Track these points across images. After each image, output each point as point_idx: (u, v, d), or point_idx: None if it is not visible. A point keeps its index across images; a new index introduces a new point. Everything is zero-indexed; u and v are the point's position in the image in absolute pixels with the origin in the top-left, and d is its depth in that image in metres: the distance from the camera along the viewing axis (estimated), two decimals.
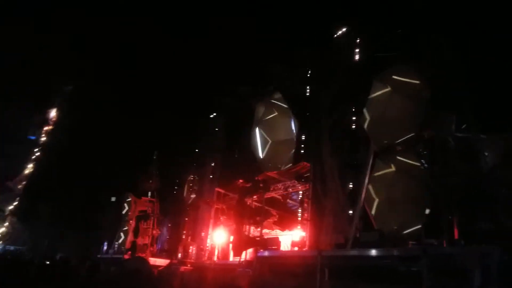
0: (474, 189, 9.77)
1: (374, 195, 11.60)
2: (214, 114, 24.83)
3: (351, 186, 13.48)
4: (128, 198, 27.65)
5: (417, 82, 10.97)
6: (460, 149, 10.19)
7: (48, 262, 19.59)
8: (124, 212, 27.77)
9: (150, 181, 26.25)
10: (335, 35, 16.22)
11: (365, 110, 12.10)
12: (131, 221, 25.93)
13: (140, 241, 23.98)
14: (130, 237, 25.19)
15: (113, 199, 31.03)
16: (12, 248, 33.08)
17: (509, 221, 8.82)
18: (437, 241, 9.86)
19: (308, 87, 17.53)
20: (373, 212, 11.53)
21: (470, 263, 7.46)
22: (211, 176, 22.54)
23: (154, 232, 24.47)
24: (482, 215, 9.37)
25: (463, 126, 10.47)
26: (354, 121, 13.54)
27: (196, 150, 25.74)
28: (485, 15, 11.08)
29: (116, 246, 26.84)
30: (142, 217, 25.31)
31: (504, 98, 10.31)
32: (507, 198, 9.37)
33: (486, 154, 10.26)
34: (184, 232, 23.65)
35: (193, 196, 23.92)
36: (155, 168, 26.64)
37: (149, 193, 26.94)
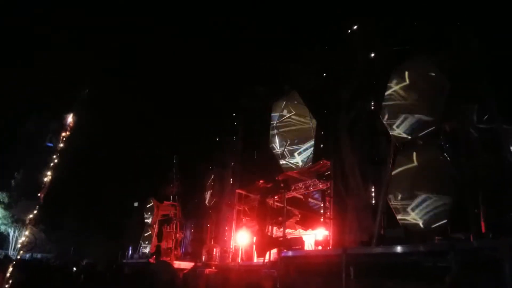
0: (500, 180, 9.62)
1: (396, 191, 11.53)
2: (233, 115, 25.02)
3: (373, 182, 13.42)
4: (151, 203, 28.18)
5: (436, 73, 10.84)
6: (484, 140, 10.04)
7: (74, 268, 20.22)
8: (147, 217, 28.32)
9: (171, 186, 26.63)
10: (351, 29, 16.16)
11: (384, 105, 12.05)
12: (154, 226, 26.41)
13: (164, 245, 24.37)
14: (154, 241, 25.66)
15: (135, 204, 31.66)
16: (39, 256, 34.00)
17: None
18: (464, 235, 9.75)
19: (325, 84, 17.51)
20: (396, 207, 11.46)
21: (500, 256, 7.38)
22: (231, 178, 22.75)
23: (178, 235, 24.84)
24: (510, 207, 9.23)
25: (486, 117, 10.31)
26: (374, 116, 13.46)
27: (216, 153, 26.01)
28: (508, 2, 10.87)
29: (141, 250, 27.37)
30: (165, 221, 25.72)
31: None
32: None
33: (511, 144, 10.09)
34: (207, 234, 23.93)
35: (214, 198, 24.18)
36: (175, 173, 27.01)
37: (171, 198, 27.36)
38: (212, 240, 23.11)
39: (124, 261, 27.37)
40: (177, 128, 31.18)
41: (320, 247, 14.51)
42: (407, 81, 11.57)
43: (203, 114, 29.37)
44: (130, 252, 28.16)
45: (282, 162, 18.02)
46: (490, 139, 10.22)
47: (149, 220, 27.87)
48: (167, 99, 33.40)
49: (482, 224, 9.53)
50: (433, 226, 10.66)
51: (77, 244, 34.50)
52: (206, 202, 24.88)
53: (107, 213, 34.86)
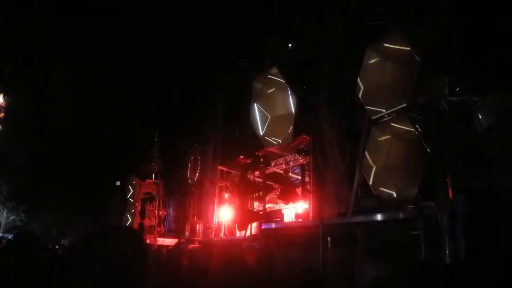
0: (468, 150, 10.17)
1: (371, 163, 12.07)
2: (215, 91, 25.14)
3: (350, 155, 13.90)
4: (133, 181, 28.44)
5: (409, 47, 11.23)
6: (454, 112, 10.53)
7: (57, 246, 20.60)
8: (129, 195, 28.62)
9: (153, 163, 26.84)
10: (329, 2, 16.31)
11: (358, 79, 12.44)
12: (136, 204, 26.74)
13: (147, 222, 24.75)
14: (136, 219, 26.01)
15: (118, 183, 31.88)
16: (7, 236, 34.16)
17: (501, 179, 9.25)
18: (434, 203, 10.34)
19: (305, 58, 17.75)
20: (371, 179, 12.03)
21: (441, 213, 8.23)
22: (213, 155, 23.09)
23: (160, 213, 25.24)
24: (476, 175, 9.81)
25: (457, 89, 10.77)
26: (352, 90, 13.83)
27: (197, 130, 26.22)
28: None
29: None
30: (148, 199, 26.02)
31: (501, 58, 10.53)
32: (501, 157, 9.78)
33: (481, 115, 10.60)
34: (190, 211, 24.41)
35: (196, 175, 24.57)
36: (157, 150, 27.18)
37: (153, 175, 27.62)
38: (195, 217, 23.61)
39: None
40: (157, 105, 31.14)
41: (300, 220, 15.13)
42: (382, 55, 11.94)
43: (184, 90, 29.31)
44: None
45: (262, 138, 18.39)
46: (460, 111, 10.72)
47: (131, 198, 28.18)
48: (147, 75, 33.11)
49: (450, 192, 10.10)
50: (405, 195, 11.27)
51: (60, 224, 34.72)
52: (188, 179, 25.25)
53: (89, 193, 35.07)
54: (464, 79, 10.79)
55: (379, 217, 10.43)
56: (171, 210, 27.54)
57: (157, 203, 25.78)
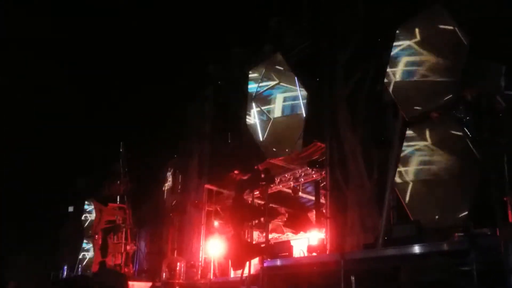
0: None
1: (406, 178, 12.26)
2: (199, 86, 25.31)
3: (379, 168, 14.06)
4: (90, 206, 28.48)
5: (453, 27, 11.47)
6: None
7: None
8: (86, 225, 28.66)
9: (118, 182, 26.90)
10: None
11: (389, 69, 12.64)
12: (96, 236, 26.77)
13: (110, 260, 24.78)
14: (96, 257, 26.03)
15: (70, 209, 31.85)
16: None
17: None
18: (490, 230, 10.49)
19: (317, 43, 17.99)
20: (407, 199, 12.20)
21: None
22: (198, 170, 23.22)
23: (128, 247, 25.27)
24: None
25: None
26: (378, 85, 14.04)
27: (177, 137, 26.35)
28: None
29: (79, 269, 27.79)
30: (111, 229, 26.08)
31: None
32: None
33: None
34: (168, 245, 24.48)
35: (176, 197, 24.68)
36: (123, 165, 27.24)
37: (118, 198, 27.65)
38: (175, 252, 23.68)
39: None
40: (123, 104, 31.18)
41: (314, 254, 15.25)
42: (418, 38, 12.19)
43: (159, 85, 29.46)
44: (65, 272, 28.53)
45: (263, 147, 18.54)
46: None
47: (89, 229, 28.22)
48: (107, 63, 32.99)
49: (510, 215, 10.27)
50: (452, 219, 11.43)
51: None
52: (166, 202, 25.37)
53: (33, 224, 34.82)
54: None
55: (417, 249, 10.53)
56: (142, 244, 27.61)
57: (123, 235, 25.83)
